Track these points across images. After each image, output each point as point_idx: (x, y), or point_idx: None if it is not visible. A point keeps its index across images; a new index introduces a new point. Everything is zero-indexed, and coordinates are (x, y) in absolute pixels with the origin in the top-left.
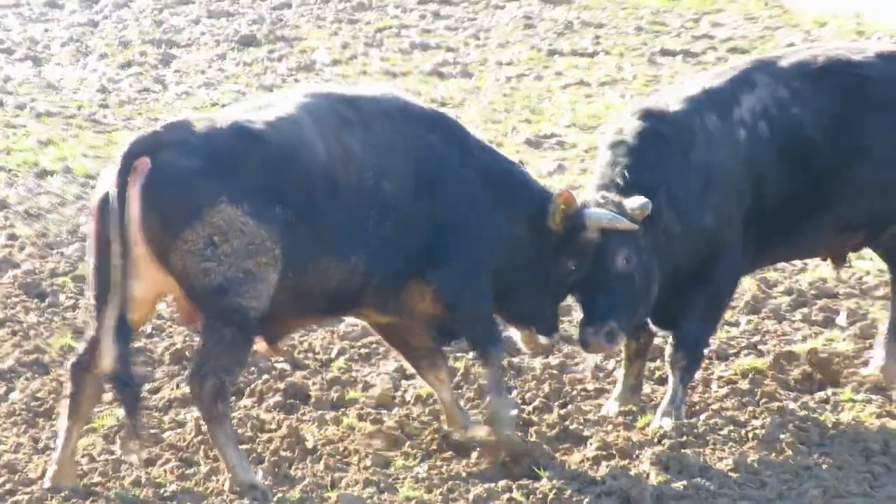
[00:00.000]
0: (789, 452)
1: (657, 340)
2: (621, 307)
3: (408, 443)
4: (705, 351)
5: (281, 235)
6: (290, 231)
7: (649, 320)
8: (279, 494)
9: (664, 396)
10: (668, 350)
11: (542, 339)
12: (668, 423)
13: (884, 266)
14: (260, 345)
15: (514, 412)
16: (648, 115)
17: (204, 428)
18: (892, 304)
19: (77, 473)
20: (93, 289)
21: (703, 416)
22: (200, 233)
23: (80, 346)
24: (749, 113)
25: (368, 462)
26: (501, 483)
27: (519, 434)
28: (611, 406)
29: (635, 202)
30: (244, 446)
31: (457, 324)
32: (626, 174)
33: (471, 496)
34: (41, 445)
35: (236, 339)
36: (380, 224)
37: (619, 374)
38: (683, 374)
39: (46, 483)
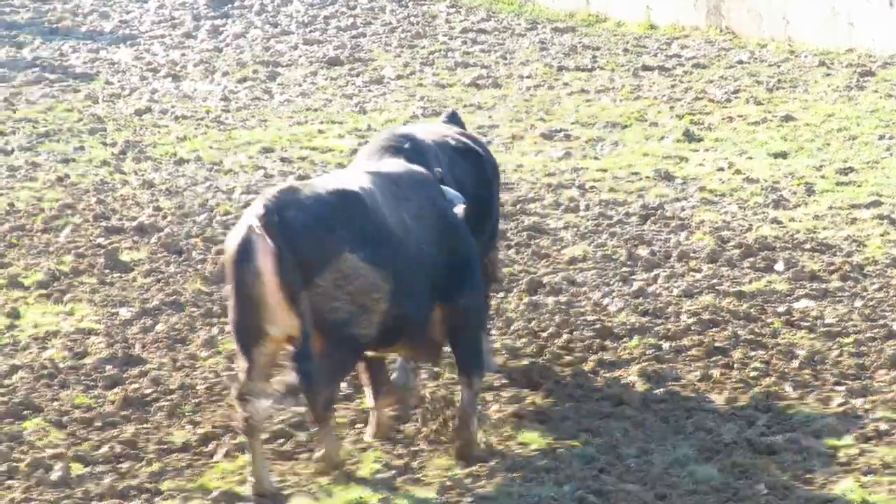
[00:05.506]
0: (739, 366)
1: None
2: None
3: None
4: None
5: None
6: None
7: None
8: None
9: None
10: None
11: None
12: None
13: (811, 224)
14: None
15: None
16: (397, 137)
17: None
18: None
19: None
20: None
21: (676, 340)
22: (328, 278)
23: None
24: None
25: None
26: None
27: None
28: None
29: None
30: None
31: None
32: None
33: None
34: (178, 364)
35: (348, 361)
36: (417, 276)
37: None
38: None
39: (248, 490)
